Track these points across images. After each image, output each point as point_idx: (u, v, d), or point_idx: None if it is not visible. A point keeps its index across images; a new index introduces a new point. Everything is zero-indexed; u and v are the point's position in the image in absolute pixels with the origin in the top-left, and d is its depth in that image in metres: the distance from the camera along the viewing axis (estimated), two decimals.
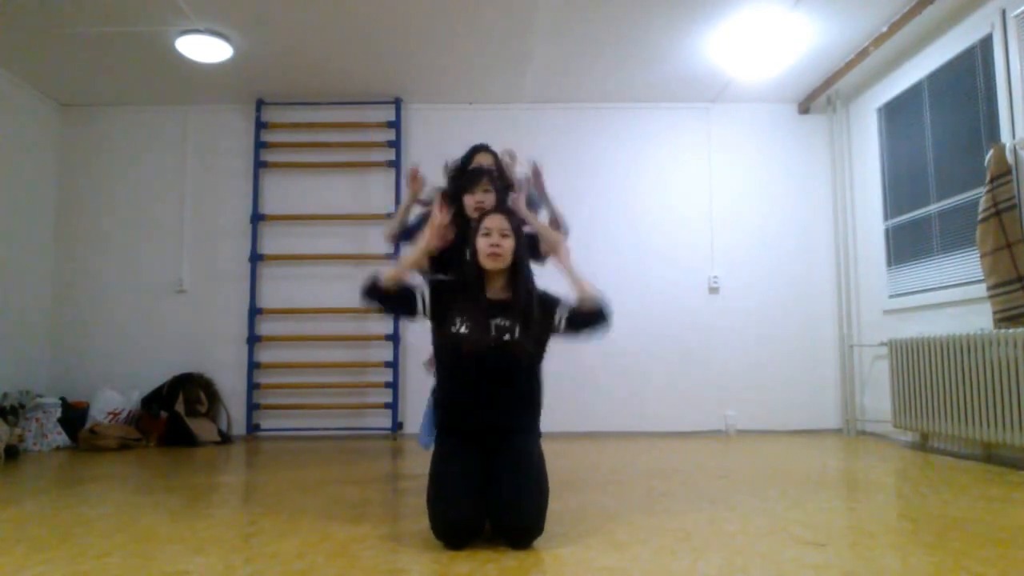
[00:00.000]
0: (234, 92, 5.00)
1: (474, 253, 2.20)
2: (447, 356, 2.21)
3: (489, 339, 2.11)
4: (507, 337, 2.13)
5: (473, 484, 2.00)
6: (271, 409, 4.96)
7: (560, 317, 2.20)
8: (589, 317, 2.20)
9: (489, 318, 2.14)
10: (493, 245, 2.15)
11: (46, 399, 4.45)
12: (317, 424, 4.94)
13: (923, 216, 4.11)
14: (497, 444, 2.08)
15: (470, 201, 2.61)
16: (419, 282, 2.25)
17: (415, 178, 2.91)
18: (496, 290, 2.21)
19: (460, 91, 5.03)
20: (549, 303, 2.22)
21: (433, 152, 5.10)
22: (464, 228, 2.45)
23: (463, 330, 2.14)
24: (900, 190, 4.38)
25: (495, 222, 2.19)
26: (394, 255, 4.97)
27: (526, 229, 2.58)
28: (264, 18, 3.95)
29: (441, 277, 2.35)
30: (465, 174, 2.77)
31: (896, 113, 4.43)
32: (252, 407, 4.93)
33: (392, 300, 2.22)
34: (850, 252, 4.93)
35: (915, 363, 3.82)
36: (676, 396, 4.98)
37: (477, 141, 3.13)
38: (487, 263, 2.16)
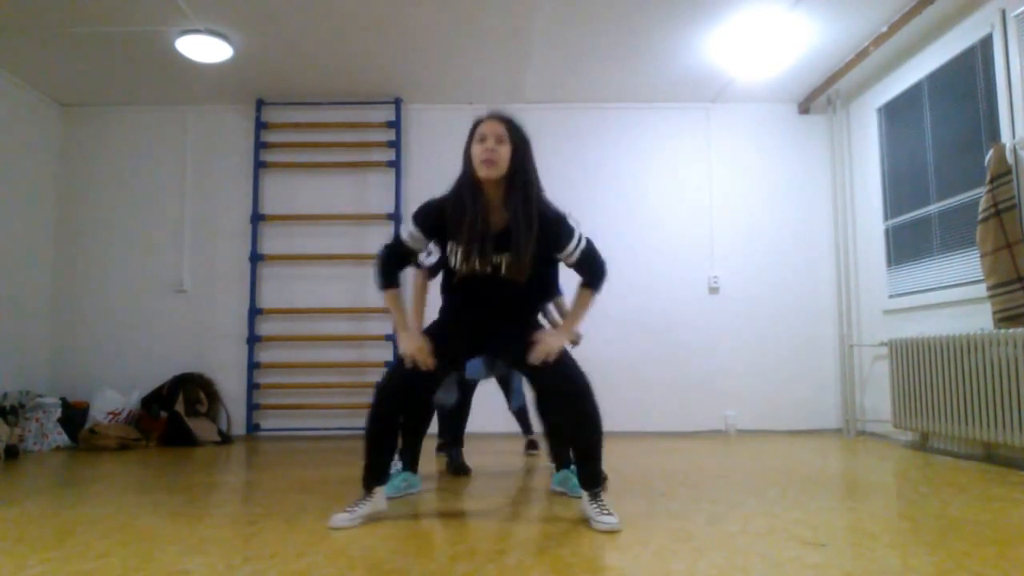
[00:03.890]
0: (234, 92, 5.00)
1: (469, 161, 2.09)
2: (446, 281, 2.24)
3: (484, 270, 2.10)
4: (503, 271, 2.12)
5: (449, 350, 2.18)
6: (271, 409, 4.97)
7: (571, 255, 2.17)
8: (594, 277, 2.22)
9: (485, 250, 2.09)
10: (488, 150, 2.03)
11: (46, 399, 4.45)
12: (317, 424, 4.94)
13: (923, 216, 4.11)
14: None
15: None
16: (409, 228, 2.20)
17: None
18: (496, 215, 2.12)
19: (460, 91, 5.03)
20: (557, 233, 2.14)
21: (433, 152, 5.14)
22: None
23: (458, 262, 2.11)
24: (900, 190, 4.37)
25: (491, 127, 2.06)
26: None
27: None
28: (264, 18, 3.95)
29: (434, 201, 2.20)
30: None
31: (896, 113, 4.43)
32: (252, 407, 4.93)
33: (392, 267, 2.23)
34: (850, 252, 4.93)
35: (915, 363, 3.82)
36: (676, 396, 4.99)
37: None
38: (481, 170, 2.05)
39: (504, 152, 2.05)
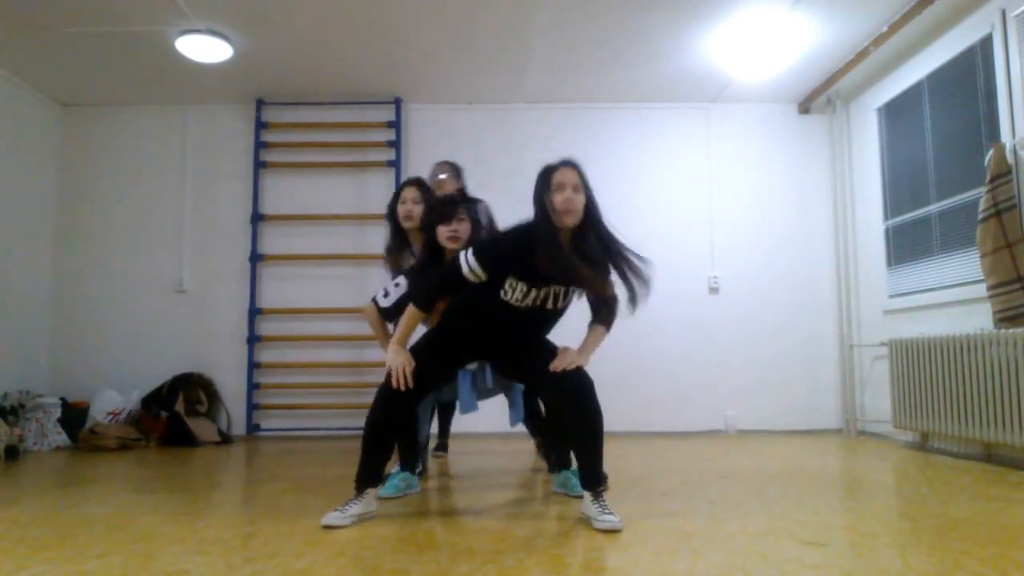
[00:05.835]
0: (234, 92, 5.00)
1: (546, 210, 2.12)
2: (478, 310, 2.28)
3: (535, 304, 2.20)
4: (550, 305, 2.22)
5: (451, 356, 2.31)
6: (271, 409, 4.96)
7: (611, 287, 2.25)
8: (612, 316, 2.35)
9: (547, 284, 2.17)
10: (567, 200, 2.10)
11: (46, 399, 4.45)
12: (317, 424, 4.94)
13: (923, 216, 4.11)
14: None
15: (443, 231, 2.59)
16: (471, 266, 2.17)
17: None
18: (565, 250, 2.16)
19: (460, 91, 5.03)
20: (617, 266, 2.23)
21: (433, 152, 5.14)
22: (439, 256, 2.59)
23: (513, 296, 2.18)
24: (900, 190, 4.37)
25: (567, 176, 2.14)
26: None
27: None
28: (264, 18, 3.95)
29: (502, 244, 2.23)
30: (437, 204, 2.73)
31: (896, 113, 4.43)
32: (252, 407, 4.93)
33: (440, 294, 2.29)
34: (850, 252, 4.93)
35: (915, 363, 3.82)
36: (676, 396, 4.98)
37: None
38: (562, 219, 2.10)
39: (580, 200, 2.13)
